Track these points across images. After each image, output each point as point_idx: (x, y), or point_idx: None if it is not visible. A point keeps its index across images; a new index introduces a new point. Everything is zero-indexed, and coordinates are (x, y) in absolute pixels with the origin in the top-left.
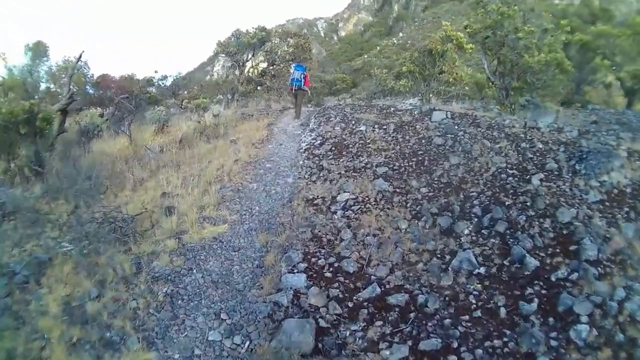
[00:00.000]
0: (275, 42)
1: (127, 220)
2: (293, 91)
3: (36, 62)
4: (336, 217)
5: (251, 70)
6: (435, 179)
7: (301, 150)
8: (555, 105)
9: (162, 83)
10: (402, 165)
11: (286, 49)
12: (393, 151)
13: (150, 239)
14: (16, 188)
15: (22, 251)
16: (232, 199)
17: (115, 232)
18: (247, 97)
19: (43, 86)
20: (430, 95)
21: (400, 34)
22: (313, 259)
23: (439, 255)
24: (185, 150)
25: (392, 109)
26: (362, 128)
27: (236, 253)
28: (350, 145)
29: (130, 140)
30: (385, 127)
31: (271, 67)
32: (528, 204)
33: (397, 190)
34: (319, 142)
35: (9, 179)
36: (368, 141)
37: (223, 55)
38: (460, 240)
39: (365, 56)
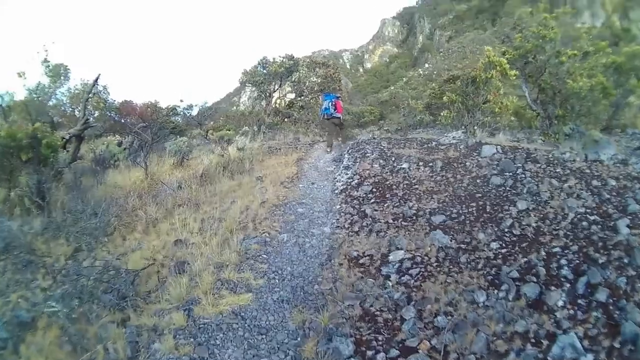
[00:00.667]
0: (303, 72)
1: (130, 275)
2: (326, 120)
3: (56, 84)
4: (391, 284)
5: (278, 101)
6: (505, 229)
7: (337, 191)
8: (599, 133)
9: (188, 112)
10: (460, 212)
11: (314, 79)
12: (446, 194)
13: (154, 306)
14: (14, 220)
15: (5, 302)
16: (257, 254)
17: (113, 292)
18: (274, 130)
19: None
20: (475, 127)
21: (426, 65)
22: (369, 352)
23: (533, 341)
24: (206, 187)
25: (434, 143)
26: (405, 165)
27: (263, 337)
28: (394, 187)
29: (146, 174)
30: (430, 164)
31: (299, 98)
32: (624, 260)
33: (462, 246)
34: (356, 181)
35: (8, 209)
36: (414, 181)
37: (249, 85)
38: (555, 316)
39: (392, 87)
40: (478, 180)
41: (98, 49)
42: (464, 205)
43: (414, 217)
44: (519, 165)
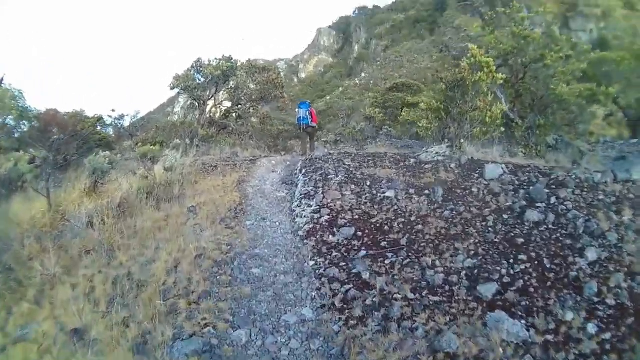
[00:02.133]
0: (242, 77)
1: None
2: (302, 130)
3: None
4: None
5: (213, 110)
6: (592, 298)
7: (301, 234)
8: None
9: (119, 123)
10: (511, 272)
11: (253, 86)
12: (472, 240)
13: None
14: None
15: None
16: None
17: None
18: (209, 143)
19: None
20: (461, 140)
21: (363, 74)
22: None
23: None
24: (124, 222)
25: (412, 160)
26: (389, 194)
27: None
28: (386, 227)
29: (49, 204)
30: (426, 192)
31: (236, 107)
32: None
33: (548, 337)
34: (326, 217)
35: None
36: (412, 218)
37: (181, 91)
38: None
39: (328, 97)
40: (505, 216)
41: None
42: (510, 260)
43: (447, 287)
44: (549, 192)
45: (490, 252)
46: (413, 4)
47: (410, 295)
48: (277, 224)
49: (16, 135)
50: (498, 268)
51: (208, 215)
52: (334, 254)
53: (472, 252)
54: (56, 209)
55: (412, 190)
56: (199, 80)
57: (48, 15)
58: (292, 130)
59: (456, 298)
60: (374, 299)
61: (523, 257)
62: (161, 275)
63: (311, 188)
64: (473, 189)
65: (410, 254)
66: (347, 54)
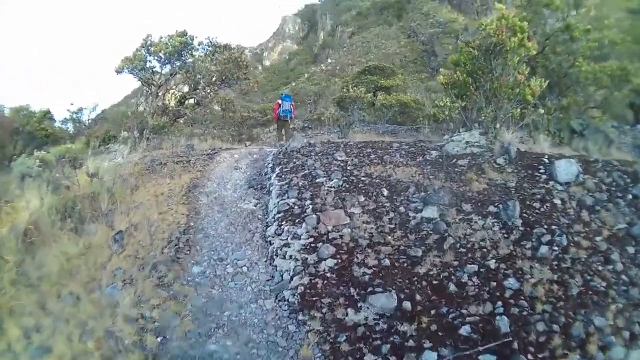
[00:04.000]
0: (199, 57)
1: None
2: (281, 121)
3: None
4: None
5: (168, 96)
6: None
7: (290, 301)
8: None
9: (77, 117)
10: None
11: (213, 67)
12: (614, 307)
13: None
14: None
15: None
16: None
17: None
18: (162, 134)
19: None
20: (498, 124)
21: (329, 60)
22: None
23: None
24: (27, 259)
25: (435, 153)
26: (431, 213)
27: None
28: (450, 284)
29: None
30: (490, 207)
31: (193, 92)
32: None
33: None
34: (330, 264)
35: None
36: (491, 264)
37: (128, 72)
38: None
39: (293, 84)
40: (630, 249)
41: None
42: None
43: None
44: None
45: None
46: None
47: None
48: (245, 271)
49: None
50: None
51: (137, 252)
52: None
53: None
54: None
55: (465, 206)
56: (150, 61)
57: (48, 16)
58: (257, 117)
59: None
60: None
61: None
62: None
63: (293, 200)
64: (555, 201)
65: None
66: (312, 41)
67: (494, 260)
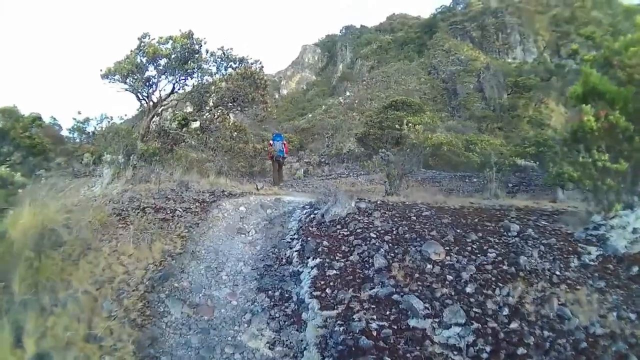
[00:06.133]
0: (210, 70)
1: None
2: (274, 161)
3: None
4: None
5: (165, 114)
6: None
7: None
8: None
9: (84, 127)
10: None
11: (224, 84)
12: None
13: None
14: None
15: None
16: None
17: None
18: (153, 162)
19: None
20: None
21: (347, 93)
22: None
23: None
24: None
25: (593, 251)
26: None
27: None
28: None
29: None
30: None
31: (197, 114)
32: None
33: None
34: None
35: None
36: None
37: (114, 81)
38: None
39: (310, 115)
40: None
41: None
42: None
43: None
44: None
45: None
46: (401, 25)
47: None
48: None
49: None
50: None
51: None
52: None
53: None
54: None
55: None
56: (144, 66)
57: (48, 15)
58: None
59: None
60: None
61: None
62: None
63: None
64: None
65: None
66: (330, 73)
67: None
